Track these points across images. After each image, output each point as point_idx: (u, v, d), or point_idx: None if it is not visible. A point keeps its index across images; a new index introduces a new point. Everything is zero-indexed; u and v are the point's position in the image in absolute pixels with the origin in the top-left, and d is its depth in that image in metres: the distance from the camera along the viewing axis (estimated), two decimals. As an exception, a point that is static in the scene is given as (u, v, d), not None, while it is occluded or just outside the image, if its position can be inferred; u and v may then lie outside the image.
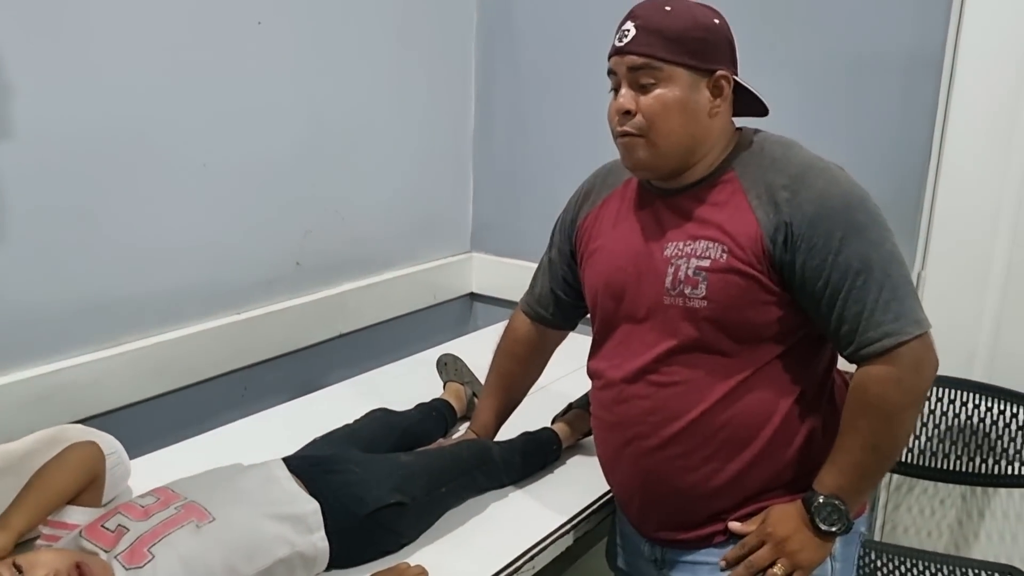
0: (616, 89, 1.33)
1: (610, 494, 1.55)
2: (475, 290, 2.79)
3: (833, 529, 1.28)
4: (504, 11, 2.57)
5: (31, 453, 1.39)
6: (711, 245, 1.29)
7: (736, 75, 1.33)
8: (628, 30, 1.29)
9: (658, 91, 1.28)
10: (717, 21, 1.32)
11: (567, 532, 1.52)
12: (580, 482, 1.63)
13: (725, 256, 1.27)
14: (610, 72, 1.33)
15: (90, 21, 1.68)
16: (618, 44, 1.30)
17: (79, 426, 1.52)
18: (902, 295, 1.24)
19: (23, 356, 1.69)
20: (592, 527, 1.59)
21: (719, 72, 1.30)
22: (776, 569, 1.29)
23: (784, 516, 1.31)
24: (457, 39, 2.60)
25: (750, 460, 1.33)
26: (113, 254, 1.81)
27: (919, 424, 2.03)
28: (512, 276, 2.47)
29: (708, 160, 1.34)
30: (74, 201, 1.72)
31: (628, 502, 1.47)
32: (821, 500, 1.28)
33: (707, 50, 1.29)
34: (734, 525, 1.35)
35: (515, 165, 2.66)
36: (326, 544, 1.28)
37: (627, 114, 1.30)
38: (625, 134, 1.31)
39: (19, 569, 1.07)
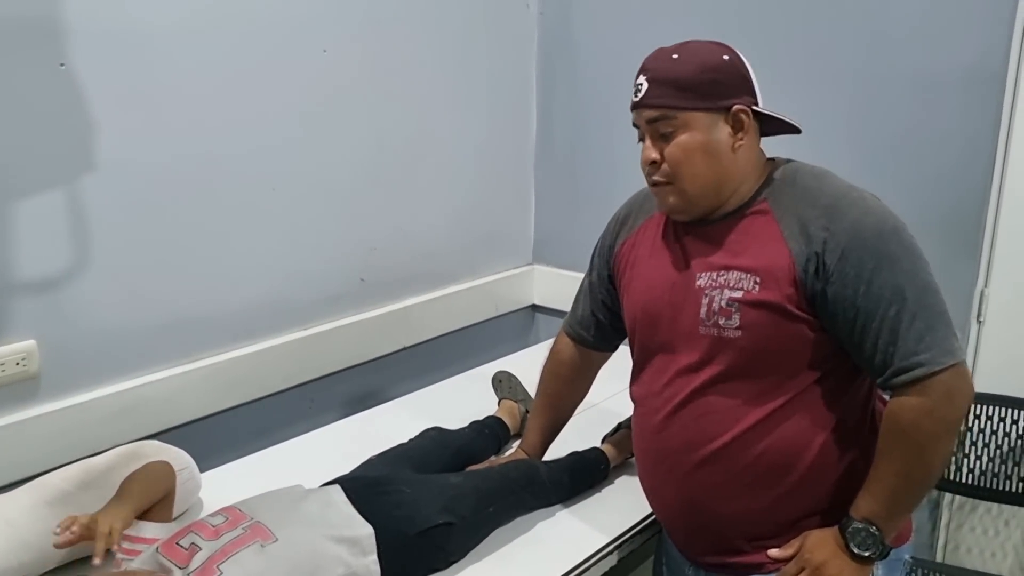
0: (642, 139, 1.37)
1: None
2: (537, 301, 2.84)
3: (867, 554, 1.30)
4: (563, 31, 2.61)
5: (113, 468, 1.51)
6: (743, 276, 1.31)
7: (756, 104, 1.35)
8: (641, 84, 1.34)
9: (679, 138, 1.32)
10: (727, 57, 1.33)
11: (611, 552, 1.56)
12: (627, 502, 1.66)
13: (757, 287, 1.30)
14: (634, 123, 1.38)
15: (165, 59, 1.79)
16: (634, 99, 1.35)
17: (155, 442, 1.63)
18: (935, 325, 1.24)
19: (108, 372, 1.82)
20: (637, 547, 1.62)
21: (736, 107, 1.32)
22: (816, 593, 1.31)
23: (820, 541, 1.33)
24: (518, 59, 2.64)
25: (788, 488, 1.34)
26: (188, 275, 1.92)
27: (980, 444, 2.00)
28: (572, 287, 2.45)
29: (741, 192, 1.36)
30: (152, 227, 1.84)
31: (673, 528, 1.50)
32: (855, 526, 1.30)
33: (719, 89, 1.32)
34: (773, 552, 1.37)
35: (575, 179, 2.69)
36: (378, 567, 1.35)
37: (654, 164, 1.35)
38: (655, 183, 1.37)
39: None
